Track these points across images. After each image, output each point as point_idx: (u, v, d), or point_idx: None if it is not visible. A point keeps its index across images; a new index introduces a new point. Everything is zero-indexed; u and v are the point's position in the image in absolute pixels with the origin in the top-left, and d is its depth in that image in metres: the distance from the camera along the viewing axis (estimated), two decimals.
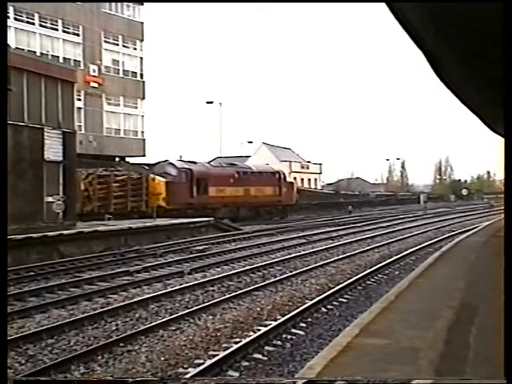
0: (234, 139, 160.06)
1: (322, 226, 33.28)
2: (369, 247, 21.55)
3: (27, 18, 35.73)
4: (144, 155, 43.62)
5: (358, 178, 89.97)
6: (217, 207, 34.68)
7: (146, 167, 34.30)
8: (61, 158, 22.15)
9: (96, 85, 39.57)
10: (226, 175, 36.16)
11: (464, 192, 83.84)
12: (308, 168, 70.42)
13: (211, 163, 39.32)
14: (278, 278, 14.35)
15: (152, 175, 32.24)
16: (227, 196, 35.66)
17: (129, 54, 42.75)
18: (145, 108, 43.95)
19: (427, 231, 29.30)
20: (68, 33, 38.43)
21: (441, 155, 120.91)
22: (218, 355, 7.90)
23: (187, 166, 33.94)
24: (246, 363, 7.93)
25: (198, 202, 33.40)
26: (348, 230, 29.76)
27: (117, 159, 39.23)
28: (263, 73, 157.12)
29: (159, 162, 34.72)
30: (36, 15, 36.26)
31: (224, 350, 8.18)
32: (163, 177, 32.37)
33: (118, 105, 41.85)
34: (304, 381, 2.83)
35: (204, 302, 11.55)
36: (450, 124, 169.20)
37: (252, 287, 13.14)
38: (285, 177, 42.30)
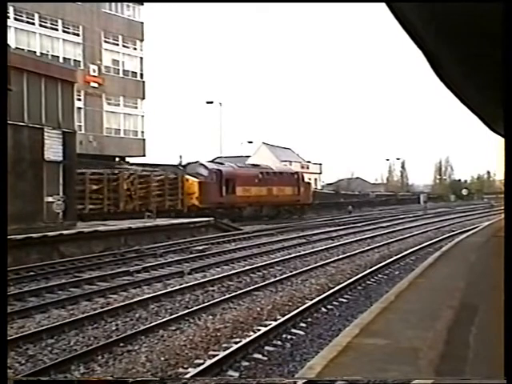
0: (234, 139, 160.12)
1: (321, 226, 33.29)
2: (369, 247, 21.55)
3: (27, 18, 35.72)
4: (144, 155, 43.63)
5: (358, 178, 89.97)
6: (243, 206, 36.80)
7: (181, 168, 35.98)
8: (61, 158, 22.15)
9: (96, 85, 39.56)
10: (251, 176, 38.10)
11: (464, 192, 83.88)
12: (308, 168, 70.42)
13: (237, 164, 39.94)
14: (278, 278, 14.35)
15: (186, 176, 34.09)
16: (252, 195, 37.51)
17: (129, 54, 42.74)
18: (145, 108, 43.97)
19: (427, 231, 29.31)
20: (68, 33, 38.42)
21: (441, 155, 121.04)
22: (217, 355, 7.91)
23: (217, 167, 36.00)
24: (246, 363, 7.93)
25: (227, 201, 35.31)
26: (348, 230, 29.77)
27: (117, 159, 39.24)
28: (263, 73, 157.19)
29: (190, 163, 36.48)
30: (36, 15, 36.26)
31: (224, 350, 8.18)
32: (196, 177, 34.24)
33: (118, 105, 41.84)
34: (304, 381, 2.83)
35: (204, 302, 11.55)
36: (450, 124, 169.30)
37: (252, 287, 13.14)
38: (303, 177, 44.32)
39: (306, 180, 46.85)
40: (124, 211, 29.25)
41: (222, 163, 37.96)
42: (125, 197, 29.89)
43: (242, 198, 36.64)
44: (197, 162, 36.38)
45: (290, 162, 64.78)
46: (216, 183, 34.78)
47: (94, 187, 28.70)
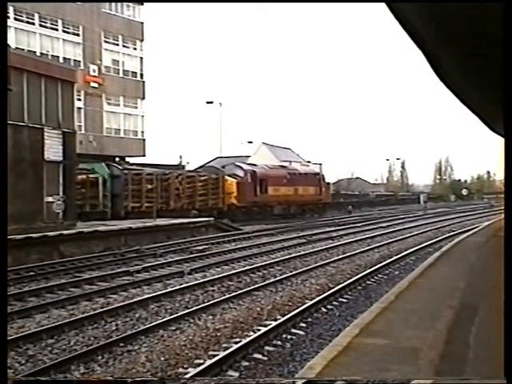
0: (234, 139, 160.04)
1: (321, 225, 33.29)
2: (369, 247, 21.55)
3: (27, 18, 35.71)
4: (144, 155, 43.64)
5: (358, 178, 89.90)
6: (273, 205, 39.29)
7: (222, 169, 37.81)
8: (61, 158, 22.14)
9: (96, 85, 39.56)
10: (280, 176, 40.55)
11: (464, 192, 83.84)
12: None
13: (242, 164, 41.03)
14: (278, 278, 14.35)
15: (226, 176, 36.36)
16: (281, 195, 39.91)
17: (129, 54, 42.73)
18: (145, 108, 43.97)
19: (427, 231, 29.31)
20: (68, 33, 38.42)
21: (441, 155, 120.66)
22: (217, 355, 7.91)
23: (252, 168, 38.52)
24: (246, 363, 7.93)
25: (261, 200, 37.91)
26: (348, 230, 29.77)
27: (117, 159, 39.23)
28: (263, 73, 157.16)
29: (227, 164, 38.84)
30: (36, 15, 36.25)
31: (224, 350, 8.18)
32: (234, 178, 36.61)
33: (118, 105, 41.84)
34: (304, 381, 2.83)
35: (204, 302, 11.55)
36: (450, 124, 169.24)
37: (252, 287, 13.15)
38: (324, 177, 47.00)
39: (327, 180, 49.22)
40: (174, 209, 31.49)
41: (255, 164, 40.56)
42: (174, 196, 32.16)
43: (273, 197, 39.02)
44: (233, 163, 38.99)
45: (290, 161, 64.73)
46: (251, 183, 37.08)
47: (149, 186, 30.96)
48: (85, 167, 29.04)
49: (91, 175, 29.07)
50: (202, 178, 34.85)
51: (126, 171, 30.80)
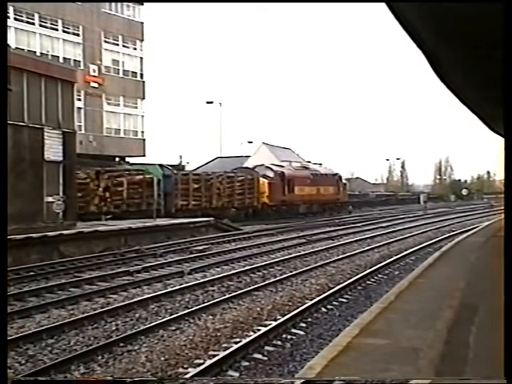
0: (234, 139, 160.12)
1: (321, 226, 33.28)
2: (369, 247, 21.55)
3: (27, 18, 35.71)
4: (144, 155, 43.66)
5: (357, 178, 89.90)
6: (299, 204, 41.84)
7: (255, 170, 40.43)
8: (61, 158, 22.14)
9: (96, 85, 39.56)
10: (305, 177, 43.32)
11: (464, 192, 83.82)
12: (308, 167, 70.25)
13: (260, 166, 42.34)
14: (278, 278, 14.34)
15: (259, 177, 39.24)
16: (306, 194, 42.55)
17: (129, 54, 42.74)
18: (145, 108, 43.99)
19: (427, 231, 29.30)
20: (68, 33, 38.42)
21: (441, 155, 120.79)
22: (217, 355, 7.90)
23: (280, 170, 41.08)
24: (246, 363, 7.93)
25: (288, 199, 40.46)
26: (348, 230, 29.76)
27: (117, 159, 39.25)
28: (263, 73, 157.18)
29: (258, 165, 41.39)
30: (36, 15, 36.26)
31: (224, 350, 8.18)
32: (265, 178, 39.13)
33: (118, 105, 41.85)
34: (302, 381, 2.83)
35: (204, 302, 11.55)
36: (450, 124, 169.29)
37: (252, 287, 13.14)
38: (341, 178, 49.55)
39: (344, 181, 51.66)
40: (216, 207, 34.66)
41: (282, 166, 42.97)
42: (216, 195, 35.03)
43: (299, 196, 41.65)
44: (262, 164, 41.36)
45: (290, 161, 64.68)
46: (280, 184, 39.76)
47: (195, 186, 33.88)
48: (140, 168, 32.40)
49: (147, 175, 31.19)
50: (240, 178, 37.55)
51: (175, 171, 34.09)
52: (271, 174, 39.89)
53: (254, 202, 38.34)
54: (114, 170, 31.52)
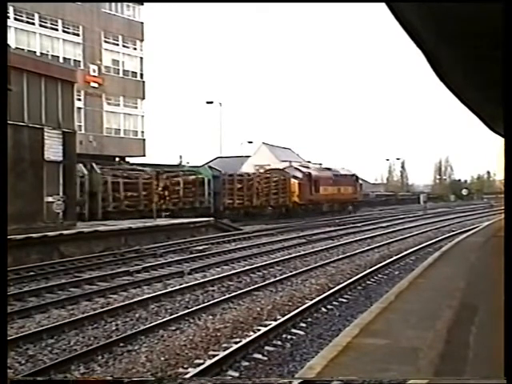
0: (234, 139, 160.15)
1: (321, 225, 33.28)
2: (369, 247, 21.55)
3: (27, 18, 35.70)
4: (144, 155, 43.62)
5: None
6: (323, 203, 44.94)
7: (285, 170, 43.50)
8: (61, 158, 22.13)
9: (96, 85, 39.55)
10: (327, 177, 46.07)
11: (464, 192, 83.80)
12: (308, 168, 70.21)
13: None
14: (278, 278, 14.34)
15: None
16: (329, 194, 45.52)
17: (129, 54, 42.72)
18: (145, 108, 43.96)
19: (427, 231, 29.30)
20: (68, 33, 38.41)
21: (441, 155, 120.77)
22: (217, 355, 7.90)
23: (308, 170, 44.10)
24: (246, 363, 7.93)
25: (314, 198, 43.48)
26: (348, 230, 29.76)
27: (117, 159, 39.22)
28: (263, 73, 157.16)
29: (287, 167, 44.83)
30: (36, 15, 36.24)
31: (224, 350, 8.18)
32: (295, 179, 41.98)
33: (118, 105, 41.83)
34: (302, 381, 2.82)
35: (204, 302, 11.55)
36: (450, 124, 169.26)
37: (252, 287, 13.14)
38: (358, 178, 52.50)
39: (360, 181, 54.65)
40: (256, 206, 38.27)
41: (308, 167, 46.19)
42: (256, 194, 38.26)
43: (323, 195, 44.65)
44: (290, 166, 44.92)
45: (290, 161, 64.67)
46: (308, 184, 42.67)
47: (239, 186, 37.12)
48: (192, 169, 35.98)
49: (199, 176, 34.55)
50: (275, 179, 40.65)
51: (223, 173, 37.18)
52: (300, 175, 42.75)
53: (286, 201, 41.20)
54: (171, 170, 34.76)
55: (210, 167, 37.41)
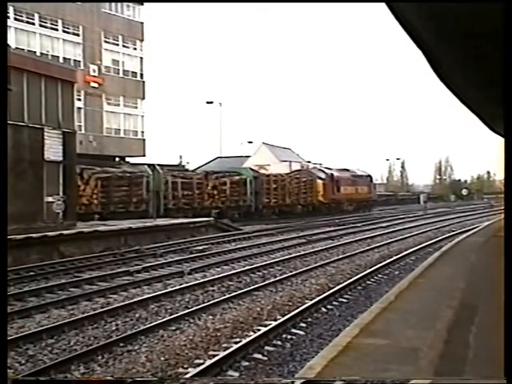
0: (234, 139, 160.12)
1: (321, 225, 33.27)
2: (369, 247, 21.54)
3: (27, 18, 35.72)
4: (144, 155, 43.64)
5: None
6: (343, 202, 48.22)
7: (313, 171, 47.13)
8: (61, 158, 22.13)
9: (96, 85, 39.56)
10: (347, 178, 49.37)
11: (464, 192, 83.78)
12: (307, 168, 70.21)
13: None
14: (278, 278, 14.34)
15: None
16: (348, 193, 48.85)
17: (129, 54, 42.74)
18: (145, 108, 43.98)
19: (427, 231, 29.29)
20: (68, 33, 38.42)
21: (441, 155, 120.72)
22: (217, 355, 7.90)
23: (330, 172, 47.10)
24: (246, 363, 7.93)
25: (336, 197, 46.78)
26: (348, 230, 29.75)
27: (117, 159, 39.23)
28: (263, 73, 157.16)
29: (312, 168, 48.84)
30: (36, 15, 36.26)
31: (224, 350, 8.17)
32: (320, 179, 45.16)
33: (118, 105, 41.84)
34: (302, 381, 2.83)
35: (204, 302, 11.55)
36: (450, 124, 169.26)
37: (252, 287, 13.14)
38: (372, 179, 56.36)
39: (374, 181, 58.66)
40: (288, 204, 41.54)
41: (330, 168, 49.01)
42: (288, 193, 41.41)
43: (344, 195, 47.97)
44: (314, 167, 48.69)
45: (290, 161, 64.64)
46: (330, 184, 45.85)
47: (274, 186, 40.25)
48: (234, 170, 39.08)
49: (242, 176, 37.63)
50: (303, 179, 43.86)
51: (261, 173, 41.07)
52: (323, 176, 45.82)
53: (313, 200, 44.52)
54: (219, 171, 38.04)
55: (250, 168, 40.91)
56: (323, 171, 46.74)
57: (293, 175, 43.80)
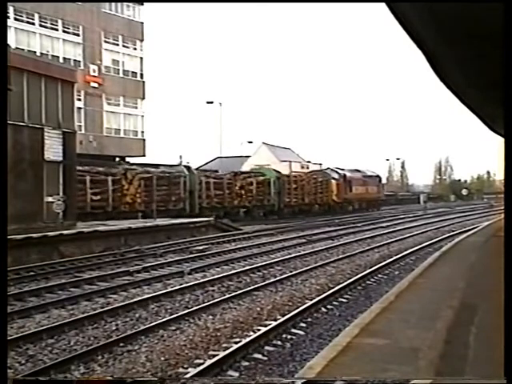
0: (234, 139, 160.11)
1: (321, 225, 33.27)
2: (369, 247, 21.54)
3: (27, 17, 35.71)
4: (144, 155, 43.63)
5: None
6: (354, 201, 51.01)
7: (327, 172, 49.37)
8: (61, 158, 22.13)
9: (96, 85, 39.55)
10: (358, 178, 52.19)
11: (464, 192, 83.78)
12: (308, 168, 70.23)
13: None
14: (278, 278, 14.34)
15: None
16: (359, 193, 51.73)
17: (129, 54, 42.72)
18: (145, 108, 43.96)
19: (427, 231, 29.29)
20: (68, 33, 38.41)
21: (441, 155, 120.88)
22: (218, 355, 7.90)
23: (343, 172, 49.53)
24: (246, 363, 7.93)
25: (349, 197, 49.54)
26: (348, 230, 29.75)
27: (117, 159, 39.22)
28: (263, 73, 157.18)
29: (327, 168, 50.98)
30: (36, 15, 36.25)
31: (224, 350, 8.17)
32: (334, 180, 47.82)
33: (118, 105, 41.83)
34: (303, 381, 2.83)
35: (204, 302, 11.55)
36: (450, 124, 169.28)
37: (252, 287, 13.13)
38: (381, 179, 60.16)
39: (383, 182, 62.58)
40: (307, 203, 44.23)
41: (343, 169, 50.98)
42: (307, 193, 44.06)
43: (355, 195, 50.84)
44: (328, 168, 50.45)
45: (290, 161, 64.60)
46: (343, 184, 48.51)
47: (294, 186, 42.73)
48: (258, 171, 41.72)
49: (266, 177, 39.90)
50: (320, 179, 46.35)
51: (283, 174, 42.64)
52: (337, 176, 48.41)
53: (328, 200, 47.25)
54: (246, 171, 41.48)
55: (273, 169, 42.69)
56: (337, 172, 49.01)
57: (310, 175, 46.24)
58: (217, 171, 39.05)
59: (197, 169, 36.02)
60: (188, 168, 34.23)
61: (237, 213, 36.15)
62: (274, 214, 40.10)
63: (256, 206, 38.54)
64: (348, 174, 49.94)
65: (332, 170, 49.58)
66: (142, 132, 43.63)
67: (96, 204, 28.01)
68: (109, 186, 28.65)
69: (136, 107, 43.05)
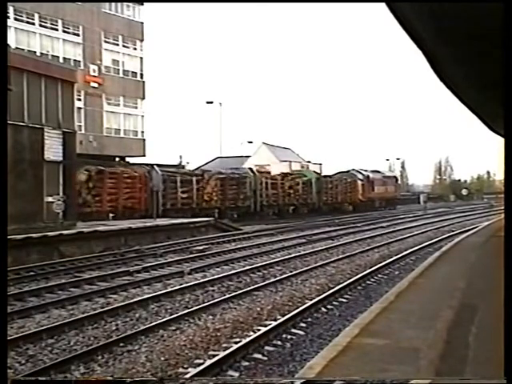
0: (234, 139, 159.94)
1: (321, 226, 33.27)
2: (369, 247, 21.54)
3: (27, 18, 35.68)
4: (144, 155, 43.59)
5: None
6: (376, 200, 55.60)
7: (353, 173, 53.62)
8: (61, 158, 22.13)
9: (96, 85, 39.52)
10: (379, 179, 56.57)
11: (464, 192, 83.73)
12: (308, 168, 70.25)
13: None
14: (278, 278, 14.34)
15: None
16: (380, 192, 56.52)
17: (129, 54, 42.69)
18: (145, 108, 43.93)
19: (427, 231, 29.29)
20: (68, 33, 38.38)
21: (441, 155, 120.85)
22: (218, 355, 7.90)
23: (366, 173, 54.09)
24: (246, 363, 7.93)
25: (371, 196, 54.18)
26: (348, 230, 29.75)
27: (117, 159, 39.21)
28: (263, 73, 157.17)
29: (352, 169, 54.29)
30: (36, 15, 36.22)
31: (224, 350, 8.18)
32: (359, 180, 52.03)
33: (118, 105, 41.80)
34: (302, 381, 2.83)
35: (204, 302, 11.55)
36: (450, 124, 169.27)
37: (252, 287, 13.14)
38: (397, 179, 65.23)
39: (399, 182, 67.71)
40: (339, 202, 48.60)
41: (366, 170, 55.50)
42: (340, 193, 48.62)
43: (377, 194, 55.60)
44: (353, 169, 53.95)
45: (290, 161, 64.57)
46: (366, 184, 52.92)
47: (329, 186, 47.09)
48: (300, 172, 46.11)
49: (308, 177, 43.83)
50: (349, 180, 50.88)
51: (322, 175, 47.78)
52: (361, 177, 52.71)
53: (355, 198, 51.44)
54: (291, 172, 44.65)
55: (313, 170, 47.55)
56: (361, 173, 53.37)
57: (342, 176, 50.53)
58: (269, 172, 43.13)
59: (258, 170, 40.91)
60: (251, 170, 38.72)
61: (287, 210, 40.29)
62: (314, 212, 43.64)
63: (302, 204, 42.49)
64: (371, 175, 54.45)
65: (357, 171, 53.51)
66: (142, 132, 43.59)
67: (184, 201, 32.31)
68: (193, 185, 33.08)
69: (136, 107, 43.03)
